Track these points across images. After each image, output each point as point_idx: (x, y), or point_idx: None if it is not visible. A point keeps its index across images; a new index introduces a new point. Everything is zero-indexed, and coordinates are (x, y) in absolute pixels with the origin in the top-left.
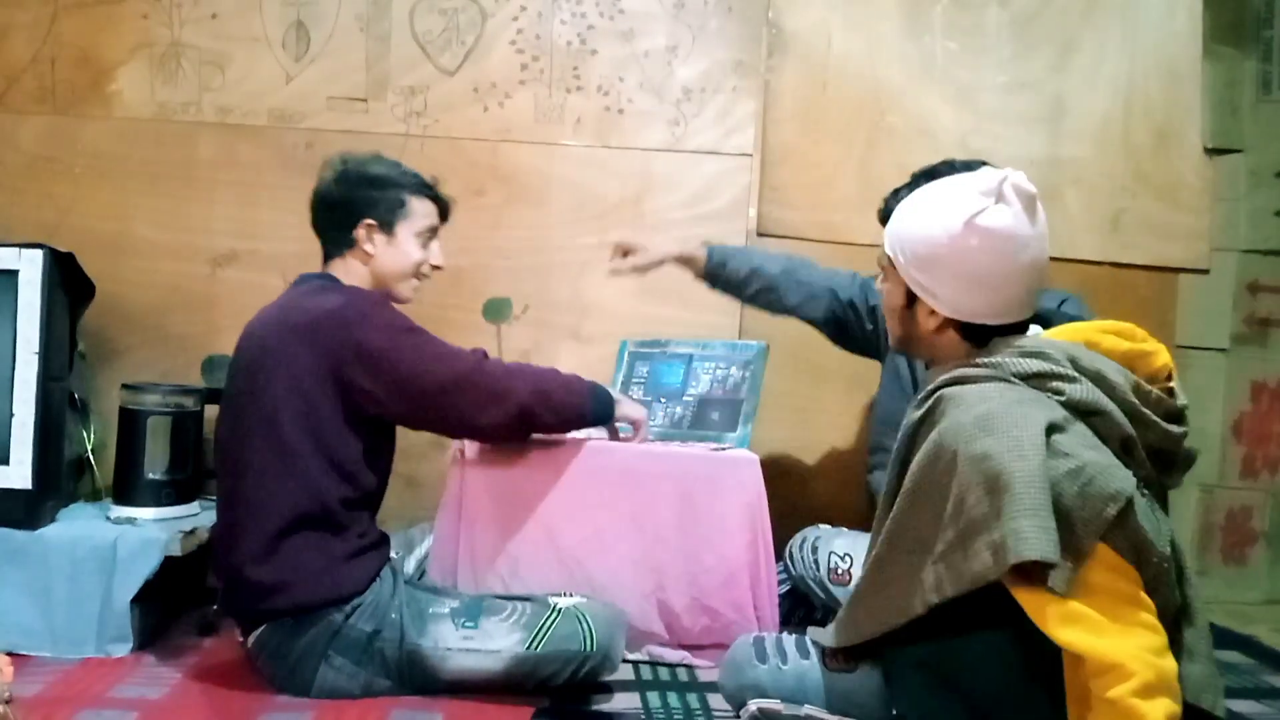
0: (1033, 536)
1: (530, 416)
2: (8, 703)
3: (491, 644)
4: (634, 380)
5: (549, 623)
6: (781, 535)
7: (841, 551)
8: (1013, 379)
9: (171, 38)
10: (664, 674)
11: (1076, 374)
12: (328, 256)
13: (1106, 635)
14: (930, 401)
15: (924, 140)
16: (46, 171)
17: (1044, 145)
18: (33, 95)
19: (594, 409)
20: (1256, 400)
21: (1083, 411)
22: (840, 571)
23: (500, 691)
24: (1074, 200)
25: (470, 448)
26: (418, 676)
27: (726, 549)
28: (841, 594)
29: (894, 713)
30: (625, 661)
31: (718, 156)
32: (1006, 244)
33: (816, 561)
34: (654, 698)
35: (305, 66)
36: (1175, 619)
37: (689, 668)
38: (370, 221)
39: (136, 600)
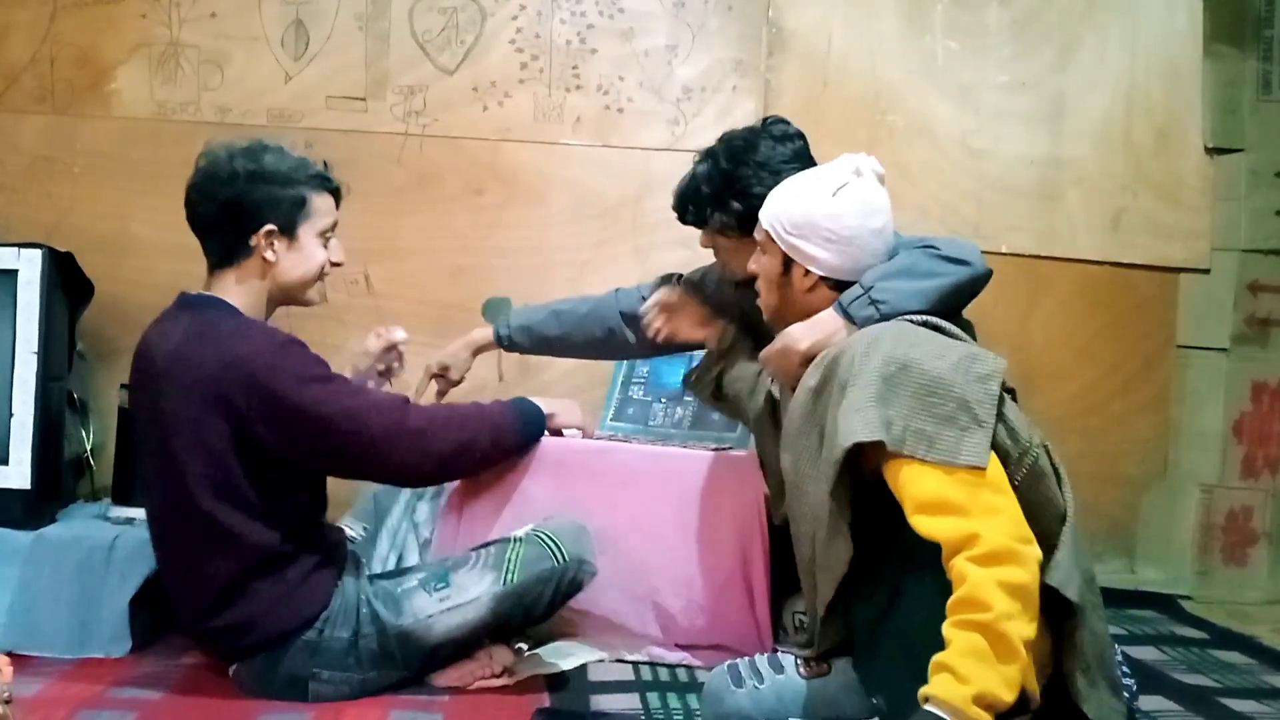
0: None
1: (454, 466)
2: (7, 703)
3: (468, 594)
4: (634, 380)
5: (515, 553)
6: (781, 536)
7: (804, 608)
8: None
9: (170, 37)
10: (663, 674)
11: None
12: (216, 266)
13: (967, 516)
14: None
15: (924, 139)
16: (45, 171)
17: (1045, 145)
18: (32, 95)
19: (522, 440)
20: (1257, 400)
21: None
22: (806, 627)
23: (494, 637)
24: (1075, 200)
25: None
26: (410, 655)
27: (725, 550)
28: None
29: (874, 702)
30: (624, 662)
31: None
32: (865, 209)
33: (784, 628)
34: (654, 698)
35: (304, 66)
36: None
37: (688, 668)
38: (271, 227)
39: (135, 600)
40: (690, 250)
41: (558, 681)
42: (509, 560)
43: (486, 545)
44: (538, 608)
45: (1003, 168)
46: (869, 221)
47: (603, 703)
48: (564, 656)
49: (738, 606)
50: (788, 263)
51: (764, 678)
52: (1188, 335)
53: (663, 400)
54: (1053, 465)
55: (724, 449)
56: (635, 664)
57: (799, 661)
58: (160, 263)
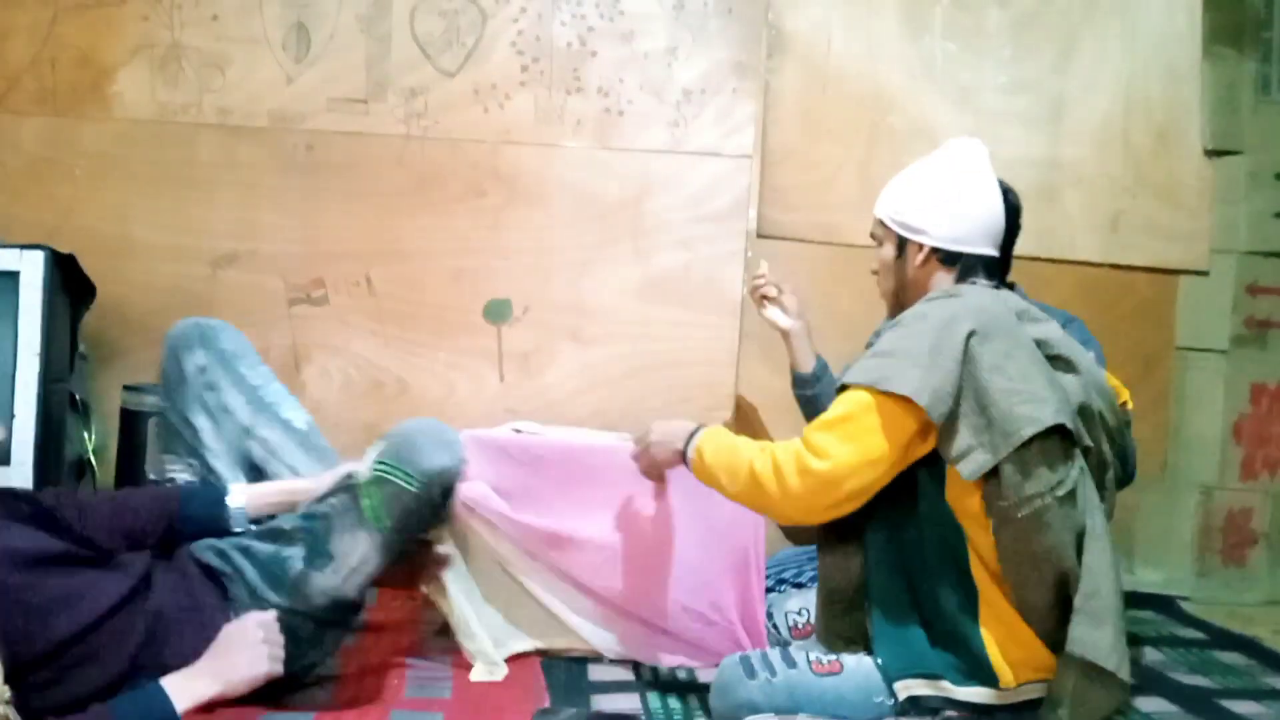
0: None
1: None
2: (8, 703)
3: (356, 556)
4: None
5: (371, 500)
6: (778, 536)
7: (796, 608)
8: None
9: (172, 39)
10: (663, 675)
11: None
12: None
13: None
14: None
15: (924, 141)
16: (47, 173)
17: (1044, 146)
18: (33, 97)
19: None
20: (1256, 402)
21: (1050, 356)
22: (800, 626)
23: (404, 569)
24: (1074, 201)
25: (470, 447)
26: (342, 613)
27: (722, 551)
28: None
29: (879, 662)
30: (623, 663)
31: (718, 158)
32: (963, 179)
33: (775, 627)
34: (654, 699)
35: (305, 68)
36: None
37: (688, 669)
38: None
39: None
40: (690, 252)
41: (557, 684)
42: (368, 510)
43: (333, 494)
44: (425, 523)
45: (1001, 169)
46: (969, 188)
47: (603, 703)
48: (500, 644)
49: (734, 609)
50: (901, 244)
51: (776, 671)
52: (1187, 337)
53: None
54: (1078, 531)
55: None
56: (635, 664)
57: (811, 658)
58: (162, 264)
